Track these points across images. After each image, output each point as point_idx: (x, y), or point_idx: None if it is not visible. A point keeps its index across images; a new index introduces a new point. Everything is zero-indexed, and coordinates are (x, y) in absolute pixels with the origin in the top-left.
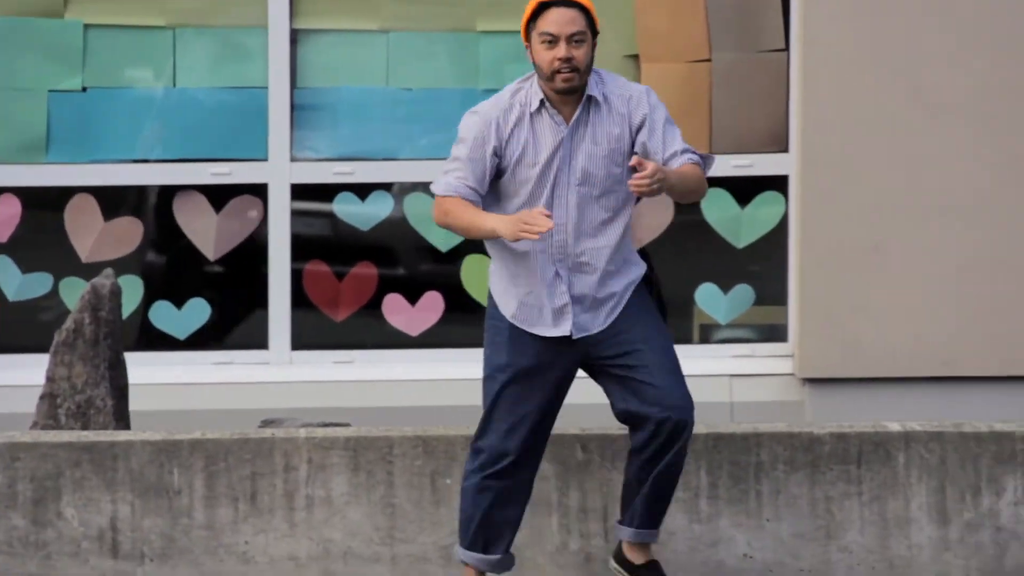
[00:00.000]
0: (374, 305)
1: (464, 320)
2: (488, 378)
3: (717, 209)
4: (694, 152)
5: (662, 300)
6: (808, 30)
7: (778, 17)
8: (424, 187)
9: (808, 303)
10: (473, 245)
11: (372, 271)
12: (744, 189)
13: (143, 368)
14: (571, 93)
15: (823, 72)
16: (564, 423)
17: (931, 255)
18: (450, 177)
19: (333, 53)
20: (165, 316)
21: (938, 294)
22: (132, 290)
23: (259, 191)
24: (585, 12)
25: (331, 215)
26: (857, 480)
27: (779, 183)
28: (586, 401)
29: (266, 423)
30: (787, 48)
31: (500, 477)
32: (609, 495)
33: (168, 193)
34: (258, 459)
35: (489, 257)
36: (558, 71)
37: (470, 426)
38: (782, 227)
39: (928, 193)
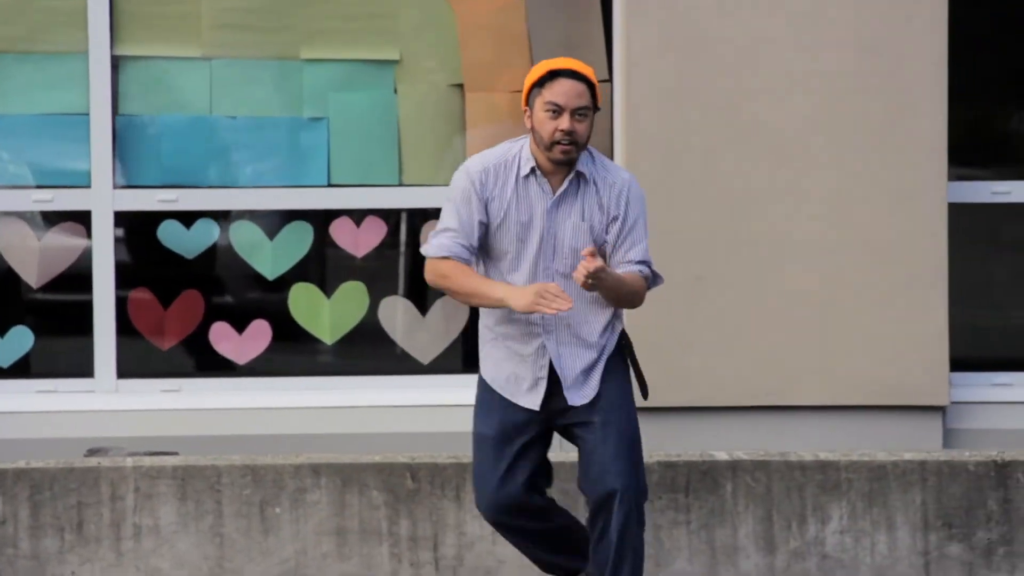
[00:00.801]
0: (201, 333)
1: (291, 348)
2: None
3: None
4: (648, 267)
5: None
6: (631, 62)
7: (601, 49)
8: (250, 214)
9: (636, 332)
10: (300, 273)
11: (198, 299)
12: None
13: None
14: (566, 165)
15: (646, 104)
16: (394, 452)
17: (753, 286)
18: (443, 238)
19: (155, 80)
20: None
21: (760, 324)
22: None
23: (82, 218)
24: (591, 87)
25: (156, 243)
26: (685, 508)
27: None
28: (416, 430)
29: (92, 452)
30: (611, 79)
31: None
32: (439, 523)
33: None
34: (84, 488)
35: (318, 286)
36: (558, 142)
37: (298, 455)
38: None
39: (750, 225)
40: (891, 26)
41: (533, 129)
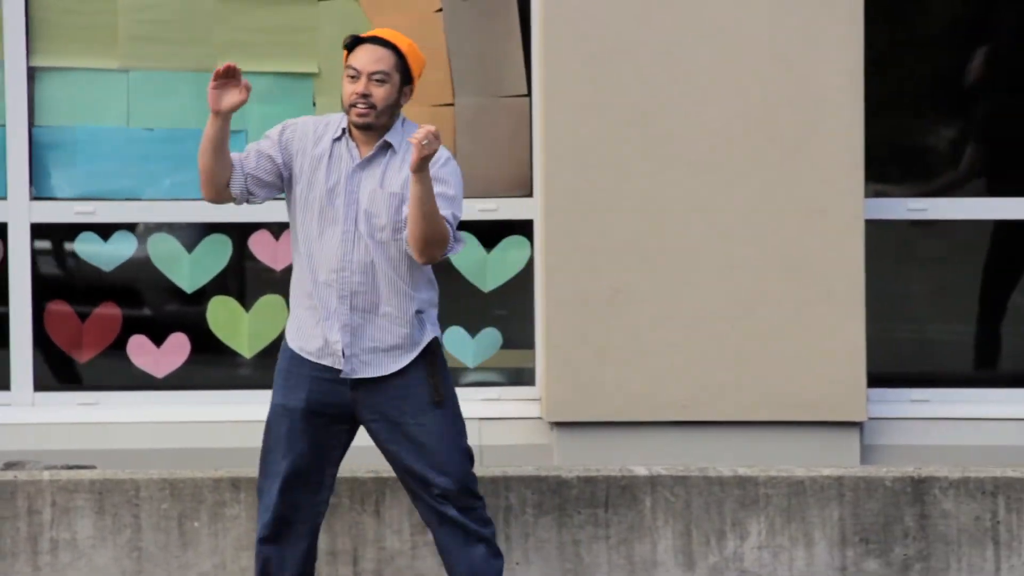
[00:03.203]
0: (119, 346)
1: (210, 361)
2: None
3: (463, 253)
4: (451, 223)
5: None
6: (549, 76)
7: (520, 63)
8: (168, 227)
9: (554, 347)
10: (219, 286)
11: (116, 312)
12: (490, 233)
13: None
14: (366, 129)
15: (564, 118)
16: None
17: (669, 300)
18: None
19: (72, 91)
20: None
21: (676, 340)
22: None
23: None
24: (399, 56)
25: (73, 255)
26: (605, 523)
27: (524, 227)
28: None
29: (9, 466)
30: (529, 94)
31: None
32: (358, 538)
33: None
34: (0, 502)
35: (236, 299)
36: (353, 104)
37: (217, 469)
38: (528, 271)
39: (666, 240)
40: (806, 39)
41: (341, 99)
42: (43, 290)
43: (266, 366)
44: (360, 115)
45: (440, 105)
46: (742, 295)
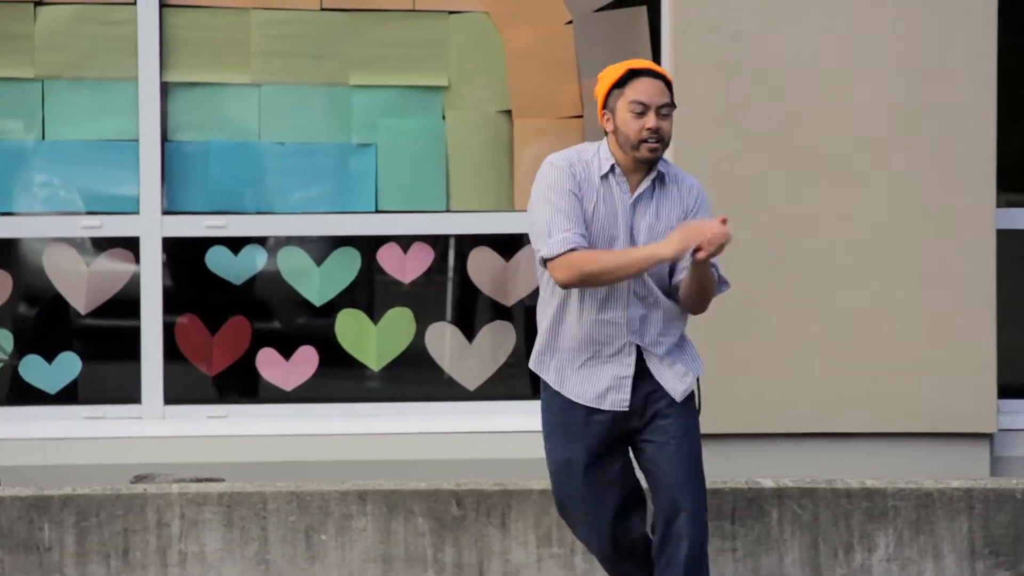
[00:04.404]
0: (248, 359)
1: (338, 374)
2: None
3: None
4: (717, 268)
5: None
6: (679, 87)
7: None
8: (298, 240)
9: None
10: (347, 299)
11: (245, 325)
12: None
13: (13, 423)
14: (650, 164)
15: (695, 127)
16: (439, 479)
17: (799, 312)
18: (557, 235)
19: (204, 106)
20: (35, 370)
21: (806, 351)
22: (1, 344)
23: (131, 244)
24: (669, 86)
25: (204, 269)
26: (731, 536)
27: None
28: (462, 457)
29: (139, 478)
30: None
31: None
32: (484, 550)
33: (38, 246)
34: (130, 515)
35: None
36: (645, 140)
37: (344, 481)
38: None
39: (797, 251)
40: (940, 48)
41: (616, 130)
42: (174, 303)
43: (393, 379)
44: (652, 150)
45: (570, 117)
46: (873, 305)
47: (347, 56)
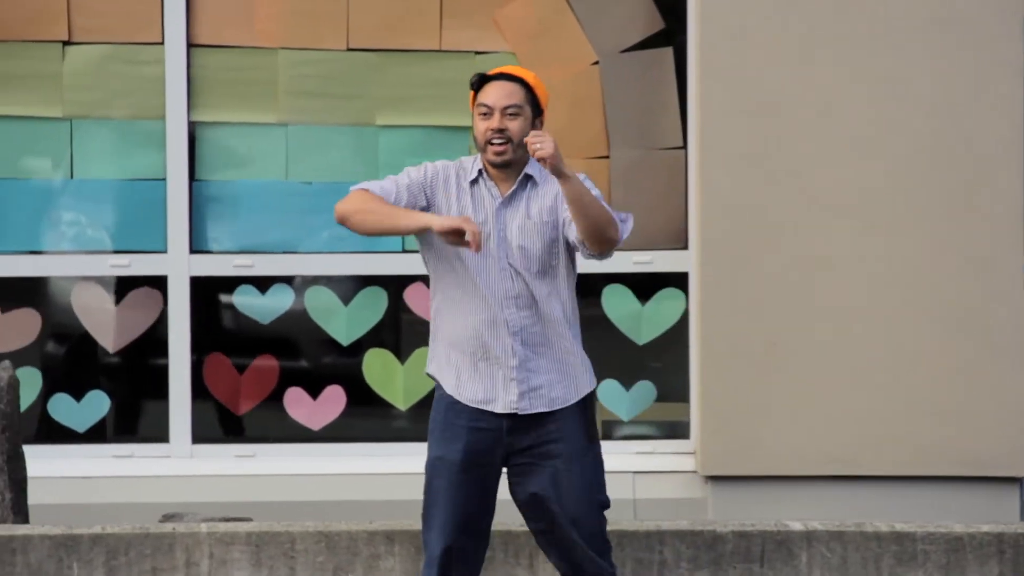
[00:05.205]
0: (275, 398)
1: (366, 414)
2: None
3: (618, 305)
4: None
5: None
6: (705, 128)
7: (676, 115)
8: (324, 280)
9: (709, 400)
10: (374, 339)
11: (273, 364)
12: (645, 286)
13: (42, 461)
14: (504, 167)
15: (720, 169)
16: None
17: (827, 353)
18: (373, 183)
19: (232, 145)
20: (64, 408)
21: (835, 392)
22: (30, 382)
23: (158, 283)
24: (527, 88)
25: (231, 308)
26: None
27: (679, 280)
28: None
29: (167, 517)
30: (685, 146)
31: None
32: None
33: (67, 284)
34: (159, 554)
35: (392, 351)
36: (490, 141)
37: (372, 521)
38: (683, 324)
39: (824, 293)
40: (969, 93)
41: (474, 137)
42: (201, 342)
43: (420, 418)
44: (498, 152)
45: (596, 157)
46: (902, 349)
47: (373, 96)
